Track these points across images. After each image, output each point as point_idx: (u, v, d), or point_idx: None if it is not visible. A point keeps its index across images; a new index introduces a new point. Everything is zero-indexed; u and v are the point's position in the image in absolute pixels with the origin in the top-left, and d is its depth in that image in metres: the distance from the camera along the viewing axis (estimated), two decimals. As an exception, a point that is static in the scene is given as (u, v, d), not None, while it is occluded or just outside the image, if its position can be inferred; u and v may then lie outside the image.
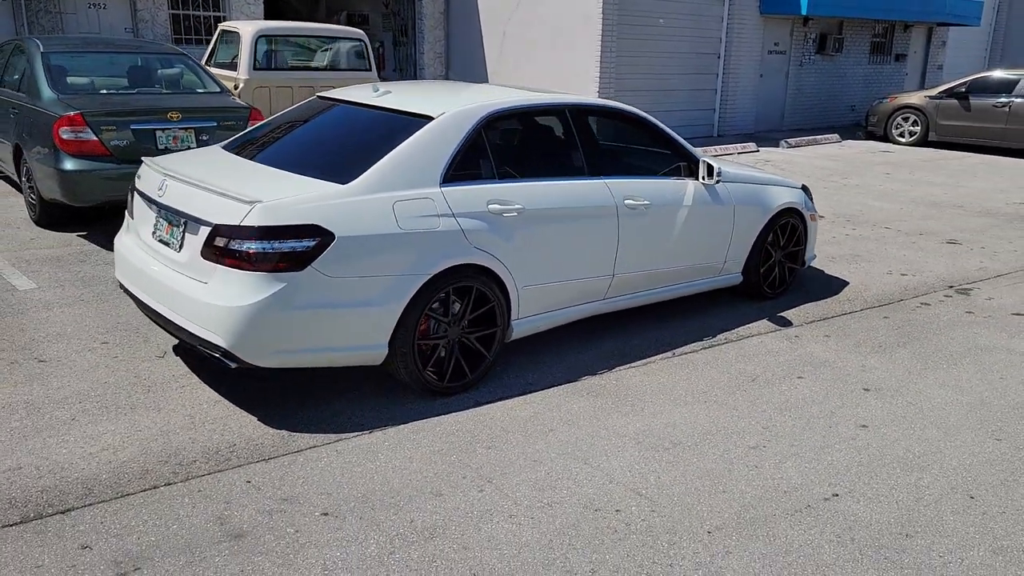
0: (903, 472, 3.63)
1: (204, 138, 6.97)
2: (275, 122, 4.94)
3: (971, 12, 20.24)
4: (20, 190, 8.56)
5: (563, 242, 4.59)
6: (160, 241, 4.15)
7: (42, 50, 7.25)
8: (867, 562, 2.97)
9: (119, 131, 6.59)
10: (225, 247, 3.69)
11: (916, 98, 16.02)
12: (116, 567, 2.86)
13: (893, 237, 8.31)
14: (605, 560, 2.96)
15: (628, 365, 4.80)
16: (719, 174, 5.28)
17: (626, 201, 4.88)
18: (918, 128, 15.88)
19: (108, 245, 6.79)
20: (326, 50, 10.45)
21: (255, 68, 9.61)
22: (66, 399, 4.11)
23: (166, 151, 6.79)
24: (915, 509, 3.34)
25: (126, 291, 4.52)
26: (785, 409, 4.26)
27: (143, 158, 4.60)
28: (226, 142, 4.93)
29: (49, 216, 7.12)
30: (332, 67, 10.48)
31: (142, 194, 4.32)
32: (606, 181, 4.85)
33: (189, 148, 6.88)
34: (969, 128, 15.26)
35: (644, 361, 4.87)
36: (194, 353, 4.69)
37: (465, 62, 16.00)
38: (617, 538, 3.09)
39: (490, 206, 4.26)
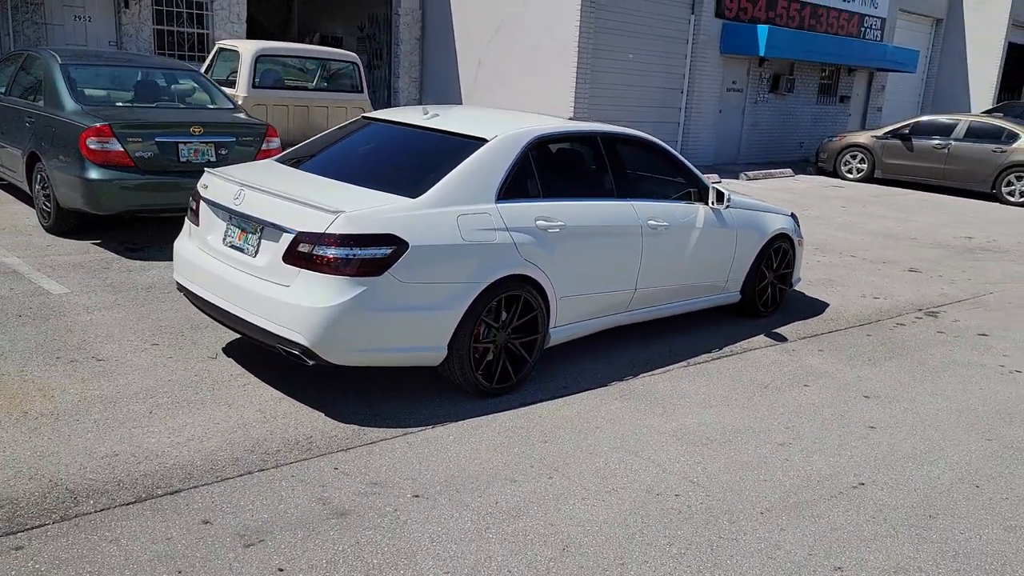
0: (915, 466, 4.12)
1: (223, 152, 7.21)
2: (325, 140, 5.26)
3: (909, 60, 21.56)
4: (21, 197, 8.63)
5: (596, 257, 5.01)
6: (232, 247, 4.43)
7: (60, 61, 7.40)
8: (902, 538, 3.42)
9: (144, 143, 6.79)
10: (309, 253, 4.00)
11: (863, 138, 17.03)
12: (241, 539, 3.13)
13: (859, 264, 8.97)
14: (677, 535, 3.35)
15: (649, 373, 5.22)
16: (728, 200, 5.78)
17: (649, 222, 5.34)
18: (865, 166, 16.87)
19: (125, 253, 6.95)
20: (321, 71, 10.74)
21: (254, 86, 9.85)
22: (137, 395, 4.33)
23: (187, 163, 7.01)
24: (932, 496, 3.82)
25: (185, 292, 4.76)
26: (800, 412, 4.73)
27: (207, 169, 4.86)
28: (279, 156, 5.22)
29: (63, 224, 7.24)
30: (327, 88, 10.77)
31: (211, 202, 4.59)
32: (632, 203, 5.30)
33: (209, 161, 7.12)
34: (912, 167, 16.29)
35: (663, 369, 5.30)
36: (248, 354, 4.94)
37: (440, 87, 16.42)
38: (683, 517, 3.48)
39: (537, 222, 4.65)
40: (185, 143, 7.00)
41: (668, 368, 5.33)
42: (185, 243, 4.81)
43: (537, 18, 14.45)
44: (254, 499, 3.42)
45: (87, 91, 7.33)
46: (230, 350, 5.03)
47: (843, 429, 4.53)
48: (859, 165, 16.95)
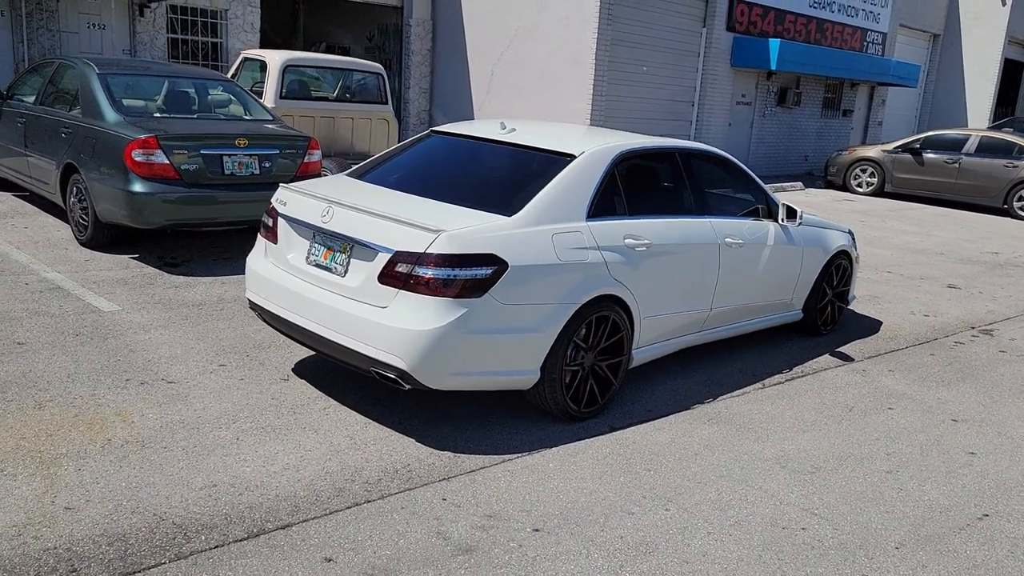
0: (1028, 493, 4.03)
1: (266, 165, 7.03)
2: (397, 154, 5.10)
3: (911, 75, 21.71)
4: (47, 208, 8.40)
5: (676, 276, 4.89)
6: (317, 266, 4.26)
7: (98, 71, 7.20)
8: (1043, 571, 3.32)
9: (189, 155, 6.60)
10: (408, 273, 3.84)
11: (873, 151, 17.07)
12: (365, 575, 2.97)
13: (899, 281, 8.91)
14: (818, 573, 3.21)
15: (728, 395, 5.09)
16: (801, 217, 5.69)
17: (726, 239, 5.22)
18: (875, 180, 16.91)
19: (166, 268, 6.76)
20: (346, 82, 10.59)
21: (281, 97, 9.67)
22: (218, 419, 4.15)
23: (231, 176, 6.83)
24: (1056, 525, 3.72)
25: (260, 310, 4.59)
26: (894, 437, 4.61)
27: (281, 184, 4.70)
28: (350, 171, 5.06)
29: (100, 238, 7.03)
30: (351, 99, 10.62)
31: (291, 219, 4.42)
32: (710, 220, 5.18)
33: (253, 174, 6.95)
34: (922, 181, 16.34)
35: (740, 391, 5.18)
36: (319, 375, 4.77)
37: (450, 98, 16.29)
38: (818, 553, 3.35)
39: (626, 240, 4.52)
40: (230, 155, 6.82)
41: (744, 390, 5.21)
42: (260, 261, 4.63)
43: (552, 30, 14.38)
44: (371, 533, 3.25)
45: (125, 101, 7.14)
46: (300, 371, 4.86)
47: (943, 455, 4.42)
48: (869, 179, 16.98)
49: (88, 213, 6.97)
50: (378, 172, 4.86)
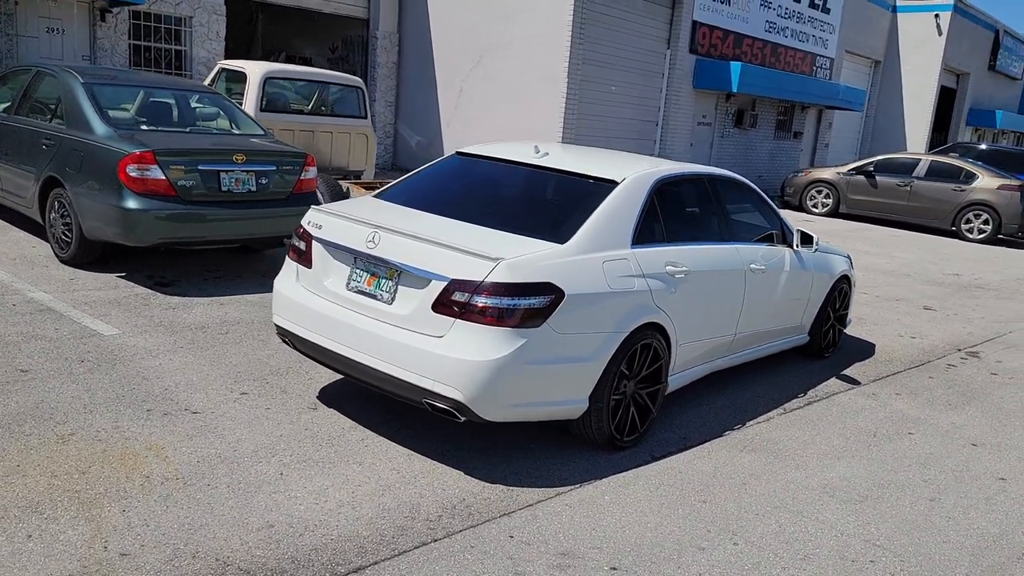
0: (1067, 519, 4.12)
1: (263, 182, 6.82)
2: (426, 176, 4.99)
3: (857, 99, 22.48)
4: (17, 223, 7.98)
5: (708, 302, 4.89)
6: (359, 292, 4.12)
7: (82, 80, 6.89)
8: (1108, 600, 3.38)
9: (187, 171, 6.35)
10: (466, 302, 3.74)
11: (828, 173, 17.55)
12: (462, 626, 2.85)
13: (877, 302, 9.13)
14: (898, 605, 3.22)
15: (753, 421, 5.11)
16: (817, 244, 5.77)
17: (751, 265, 5.26)
18: (830, 201, 17.37)
19: (157, 288, 6.48)
20: (325, 96, 10.38)
21: (261, 109, 9.42)
22: (255, 453, 3.96)
23: (228, 193, 6.60)
24: (1103, 552, 3.81)
25: (291, 337, 4.41)
26: (925, 464, 4.68)
27: (312, 207, 4.54)
28: (377, 193, 4.93)
29: (85, 255, 6.71)
30: (331, 113, 10.41)
31: (329, 243, 4.27)
32: (736, 246, 5.21)
33: (250, 191, 6.73)
34: (875, 203, 16.85)
35: (765, 417, 5.20)
36: (347, 403, 4.61)
37: (418, 113, 16.16)
38: (893, 584, 3.36)
39: (667, 267, 4.50)
40: (227, 171, 6.59)
41: (768, 416, 5.24)
42: (291, 285, 4.46)
43: (524, 48, 14.40)
44: (451, 575, 3.14)
45: (112, 113, 6.84)
46: (326, 399, 4.69)
47: (976, 481, 4.50)
48: (824, 200, 17.44)
49: (72, 229, 6.64)
50: (411, 194, 4.74)
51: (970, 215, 15.88)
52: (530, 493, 3.86)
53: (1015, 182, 15.72)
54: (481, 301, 3.72)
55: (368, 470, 3.92)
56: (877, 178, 16.79)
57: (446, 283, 3.79)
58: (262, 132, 7.60)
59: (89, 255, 6.73)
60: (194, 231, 6.49)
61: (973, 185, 15.88)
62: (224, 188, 6.58)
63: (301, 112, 10.11)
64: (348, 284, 4.18)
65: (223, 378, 4.85)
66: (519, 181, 4.73)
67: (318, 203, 7.30)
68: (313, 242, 4.37)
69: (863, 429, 5.15)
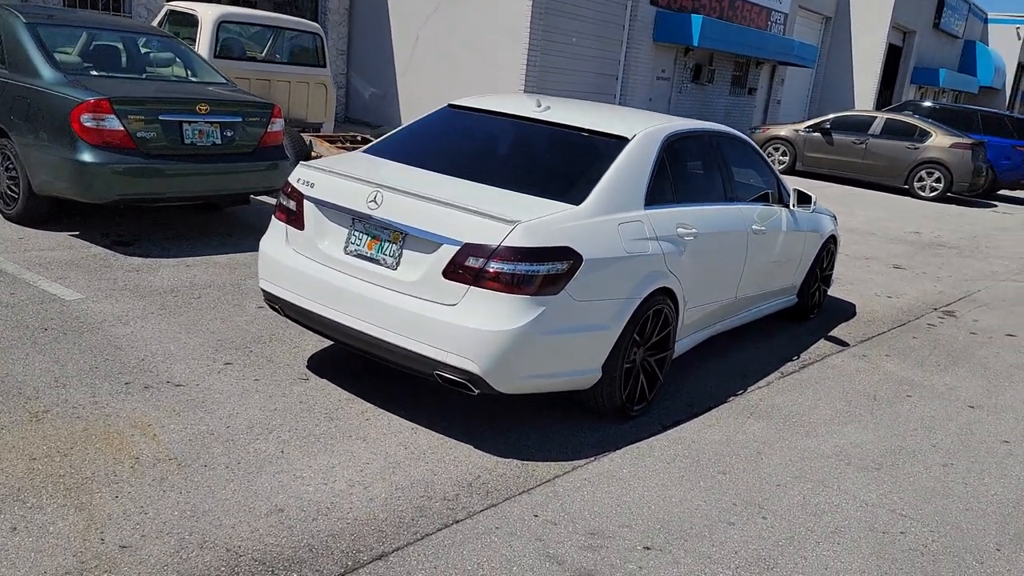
0: (1077, 483, 4.13)
1: (228, 134, 6.39)
2: (420, 131, 4.67)
3: (810, 55, 22.51)
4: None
5: (713, 265, 4.74)
6: (359, 256, 3.83)
7: (24, 20, 6.31)
8: None
9: (147, 122, 5.89)
10: (481, 268, 3.49)
11: (786, 130, 17.57)
12: (503, 617, 2.66)
13: (849, 261, 9.14)
14: (937, 578, 3.15)
15: (755, 386, 5.01)
16: (815, 204, 5.65)
17: (752, 226, 5.11)
18: (787, 158, 17.42)
19: (116, 247, 6.05)
20: (282, 43, 9.84)
21: (215, 56, 8.86)
22: (250, 429, 3.68)
23: (191, 146, 6.16)
24: (1118, 516, 3.82)
25: (281, 303, 4.12)
26: (930, 428, 4.65)
27: (301, 163, 4.20)
28: (367, 148, 4.60)
29: (33, 212, 6.22)
30: (288, 61, 9.88)
31: (324, 203, 3.95)
32: (739, 207, 5.05)
33: (214, 144, 6.30)
34: (831, 161, 16.96)
35: (764, 382, 5.10)
36: (338, 372, 4.35)
37: (371, 62, 15.57)
38: (930, 559, 3.28)
39: (678, 229, 4.32)
40: (190, 123, 6.14)
41: (768, 380, 5.14)
42: (280, 248, 4.13)
43: (484, -4, 13.91)
44: (479, 561, 2.94)
45: (59, 57, 6.29)
46: (316, 368, 4.42)
47: (983, 445, 4.49)
48: (781, 157, 17.48)
49: (19, 184, 6.13)
50: (405, 150, 4.43)
51: (923, 173, 16.10)
52: (546, 468, 3.68)
53: (967, 140, 15.96)
54: (497, 267, 3.48)
55: (373, 446, 3.68)
56: (834, 136, 16.87)
57: (459, 248, 3.53)
58: (223, 80, 7.11)
59: (38, 212, 6.24)
60: (155, 187, 6.05)
61: (927, 143, 16.07)
62: (187, 141, 6.13)
63: (257, 60, 9.57)
64: (346, 248, 3.88)
65: (203, 347, 4.52)
66: (522, 137, 4.45)
67: (285, 158, 6.91)
68: (305, 202, 4.04)
69: (863, 392, 5.10)
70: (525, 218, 3.55)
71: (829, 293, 7.51)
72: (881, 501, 3.71)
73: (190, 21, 9.06)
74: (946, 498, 3.82)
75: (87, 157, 5.71)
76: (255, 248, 6.52)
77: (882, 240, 10.82)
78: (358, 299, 3.76)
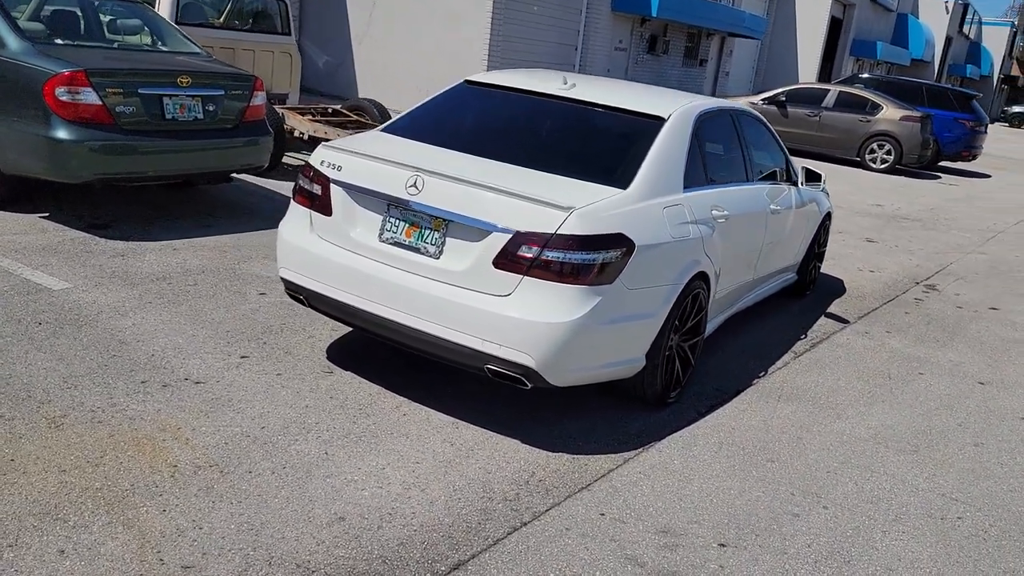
0: (1101, 460, 4.21)
1: (210, 108, 6.03)
2: (443, 109, 4.44)
3: (759, 27, 22.71)
4: None
5: (739, 246, 4.67)
6: (396, 244, 3.62)
7: (-19, -17, 5.81)
8: None
9: (126, 95, 5.50)
10: (536, 257, 3.33)
11: (742, 103, 17.63)
12: (601, 628, 2.55)
13: (824, 235, 9.23)
14: (1010, 568, 3.15)
15: (774, 367, 4.99)
16: (824, 182, 5.62)
17: (771, 205, 5.06)
18: (741, 129, 17.51)
19: (93, 231, 5.69)
20: (245, 10, 9.36)
21: (176, 22, 8.36)
22: (286, 429, 3.47)
23: (173, 121, 5.79)
24: None
25: (304, 293, 3.88)
26: (949, 407, 4.69)
27: (323, 144, 3.95)
28: (387, 126, 4.36)
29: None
30: (252, 29, 9.42)
31: (355, 188, 3.71)
32: (759, 186, 4.99)
33: (196, 119, 5.94)
34: (787, 133, 17.07)
35: (781, 362, 5.09)
36: (363, 364, 4.15)
37: (324, 29, 15.04)
38: (992, 544, 3.29)
39: (713, 212, 4.22)
40: (171, 96, 5.76)
41: (784, 360, 5.13)
42: (305, 235, 3.89)
43: (444, -38, 13.53)
44: (560, 567, 2.82)
45: (23, 24, 5.83)
46: (339, 360, 4.21)
47: (1004, 423, 4.55)
48: (736, 129, 17.57)
49: (-17, 162, 5.68)
50: (429, 130, 4.20)
51: (874, 145, 16.41)
52: (597, 461, 3.57)
53: (916, 113, 16.31)
54: (553, 256, 3.32)
55: (418, 443, 3.51)
56: (788, 108, 17.03)
57: (511, 236, 3.36)
58: (197, 50, 6.71)
59: (4, 193, 5.80)
60: (135, 165, 5.68)
61: (878, 116, 16.36)
62: (168, 116, 5.76)
63: (221, 26, 9.09)
64: (381, 235, 3.67)
65: (213, 339, 4.26)
66: (554, 115, 4.27)
67: (269, 133, 6.58)
68: (332, 186, 3.80)
69: (877, 371, 5.12)
70: (578, 204, 3.39)
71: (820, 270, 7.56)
72: (929, 485, 3.72)
73: (148, -15, 8.52)
74: (988, 479, 3.85)
75: (62, 134, 5.30)
76: (240, 230, 6.21)
77: (849, 213, 10.97)
78: (397, 289, 3.56)
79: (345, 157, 3.80)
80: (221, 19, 9.34)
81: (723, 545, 3.07)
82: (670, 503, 3.31)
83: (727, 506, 3.34)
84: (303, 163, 4.01)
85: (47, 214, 5.91)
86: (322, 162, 3.86)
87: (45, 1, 6.39)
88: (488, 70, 13.27)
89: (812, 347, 5.44)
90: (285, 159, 8.45)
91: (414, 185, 3.55)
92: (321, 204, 3.83)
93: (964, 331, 6.24)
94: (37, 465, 3.00)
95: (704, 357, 4.91)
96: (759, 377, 4.79)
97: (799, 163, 5.90)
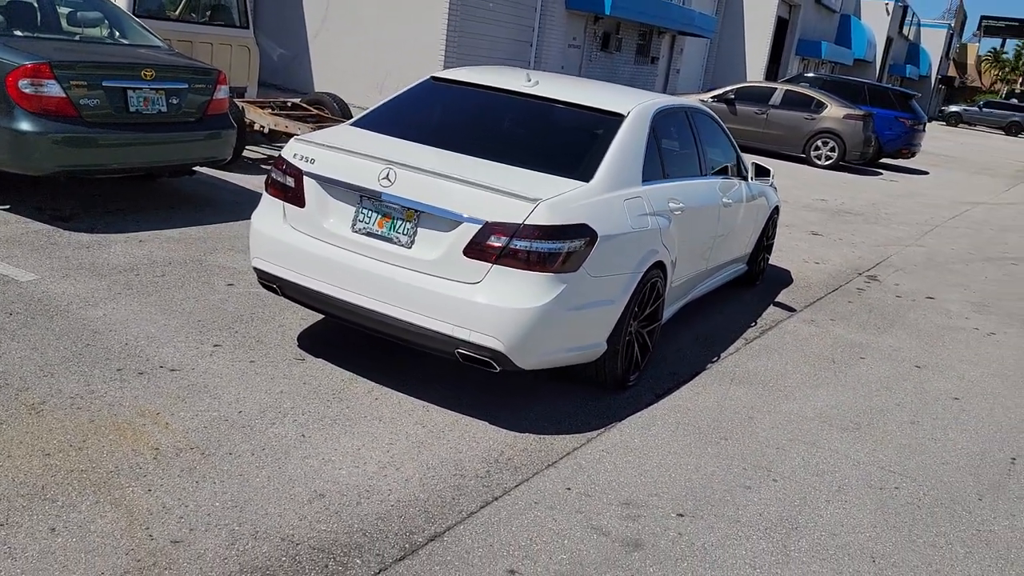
0: (1025, 435, 4.55)
1: (174, 101, 6.06)
2: (410, 105, 4.58)
3: (709, 26, 23.17)
4: None
5: (694, 237, 4.90)
6: (368, 235, 3.76)
7: (-61, -25, 5.77)
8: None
9: (90, 88, 5.52)
10: (505, 246, 3.50)
11: (694, 100, 18.03)
12: (571, 590, 2.75)
13: (772, 229, 9.57)
14: (943, 531, 3.42)
15: (725, 352, 5.24)
16: (773, 176, 5.89)
17: (723, 199, 5.30)
18: (692, 126, 17.90)
19: (55, 222, 5.70)
20: (203, 2, 9.34)
21: (134, 14, 8.32)
22: (262, 414, 3.60)
23: (137, 114, 5.82)
24: (1066, 464, 4.24)
25: (278, 282, 4.00)
26: (888, 387, 5.00)
27: (295, 138, 4.07)
28: (356, 121, 4.49)
29: (-44, 184, 5.75)
30: (210, 21, 9.41)
31: (328, 180, 3.84)
32: (712, 180, 5.23)
33: (160, 112, 5.97)
34: (736, 130, 17.35)
35: (732, 348, 5.34)
36: (331, 350, 4.28)
37: (280, 22, 14.97)
38: (925, 511, 3.57)
39: (669, 204, 4.44)
40: (135, 89, 5.79)
41: (735, 346, 5.39)
42: (278, 226, 4.00)
43: (400, -42, 13.60)
44: (530, 536, 3.00)
45: (-20, 16, 5.80)
46: (309, 347, 4.33)
47: (938, 402, 4.87)
48: (687, 126, 17.95)
49: (-59, 154, 5.63)
50: (398, 124, 4.34)
51: (819, 142, 16.92)
52: (562, 440, 3.76)
53: (858, 112, 16.86)
54: (521, 245, 3.50)
55: (391, 426, 3.66)
56: (737, 106, 17.45)
57: (480, 226, 3.53)
58: (159, 43, 6.72)
59: (-35, 185, 5.78)
60: (99, 158, 5.71)
61: (822, 114, 16.88)
62: (132, 108, 5.79)
63: (177, 19, 9.06)
64: (354, 226, 3.80)
65: (185, 328, 4.34)
66: (519, 112, 4.44)
67: (231, 126, 6.64)
68: (305, 178, 3.92)
69: (822, 356, 5.41)
70: (545, 196, 3.58)
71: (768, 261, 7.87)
72: (870, 459, 3.99)
73: (104, -23, 8.46)
74: (923, 454, 4.14)
75: (25, 126, 5.31)
76: (204, 222, 6.26)
77: (795, 208, 11.36)
78: (370, 278, 3.70)
79: (318, 150, 3.93)
80: (177, 12, 9.31)
81: (681, 515, 3.29)
82: (631, 478, 3.51)
83: (684, 480, 3.56)
84: (276, 156, 4.11)
85: (8, 206, 5.89)
86: (295, 155, 3.98)
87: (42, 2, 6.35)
88: (445, 65, 13.40)
89: (762, 334, 5.72)
90: (245, 153, 8.47)
91: (387, 177, 3.69)
92: (294, 196, 3.95)
93: (903, 319, 6.59)
94: (21, 449, 3.08)
95: (661, 344, 5.13)
96: (712, 362, 5.04)
97: (749, 159, 6.16)
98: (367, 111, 4.60)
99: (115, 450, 3.16)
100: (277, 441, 3.39)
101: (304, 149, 3.97)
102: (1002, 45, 79.66)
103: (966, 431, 4.49)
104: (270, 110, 8.69)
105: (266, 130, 8.35)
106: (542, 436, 3.78)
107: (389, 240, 3.72)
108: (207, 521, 2.82)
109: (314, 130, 7.70)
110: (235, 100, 8.34)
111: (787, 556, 3.10)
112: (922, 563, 3.19)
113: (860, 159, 17.05)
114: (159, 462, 3.13)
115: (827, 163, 16.83)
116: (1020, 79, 78.26)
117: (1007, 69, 78.87)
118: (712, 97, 17.76)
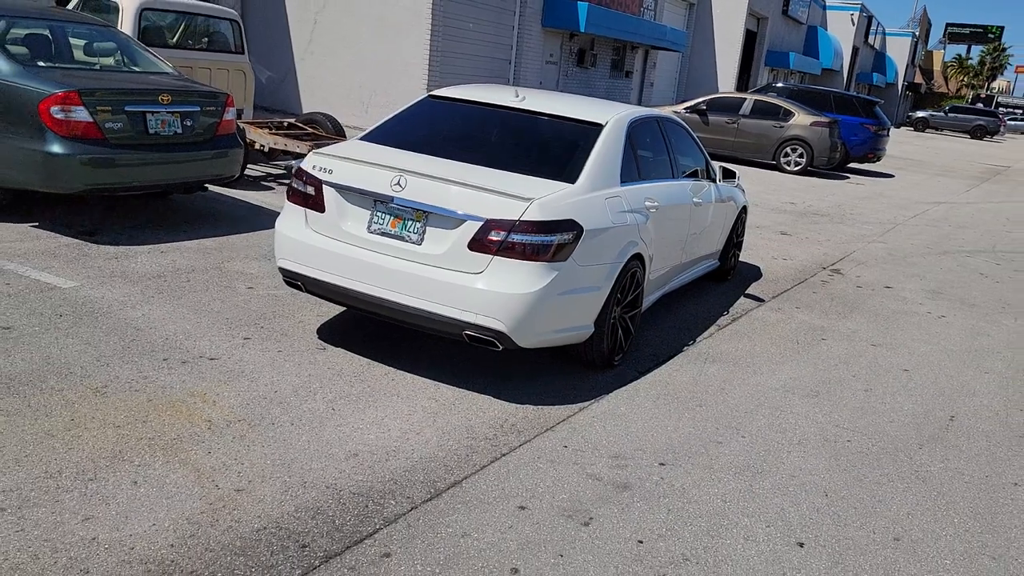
0: (966, 397, 5.13)
1: (188, 123, 6.58)
2: (412, 120, 5.13)
3: (680, 40, 23.95)
4: None
5: (669, 233, 5.47)
6: (382, 234, 4.30)
7: (-30, 12, 6.26)
8: (1016, 451, 4.36)
9: (114, 113, 6.03)
10: (504, 240, 4.05)
11: (667, 112, 18.74)
12: (570, 517, 3.28)
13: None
14: (887, 472, 3.99)
15: (701, 336, 5.81)
16: (739, 179, 6.49)
17: (694, 199, 5.89)
18: (666, 137, 18.59)
19: (83, 237, 6.18)
20: (200, 29, 9.86)
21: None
22: (296, 393, 4.11)
23: (156, 136, 6.34)
24: (1010, 414, 4.82)
25: (302, 280, 4.52)
26: (846, 362, 5.58)
27: (313, 151, 4.60)
28: (365, 135, 5.03)
29: (-14, 204, 6.23)
30: (208, 47, 9.93)
31: (345, 187, 4.38)
32: (684, 182, 5.81)
33: (176, 134, 6.49)
34: (708, 139, 18.23)
35: (707, 333, 5.92)
36: (349, 340, 4.80)
37: (267, 44, 15.51)
38: (873, 457, 4.13)
39: (646, 203, 5.01)
40: (154, 113, 6.31)
41: (709, 332, 5.96)
42: (300, 230, 4.53)
43: (383, -18, 14.19)
44: (535, 481, 3.53)
45: (11, 48, 6.29)
46: (329, 339, 4.84)
47: (890, 374, 5.46)
48: (661, 136, 18.63)
49: (-25, 176, 6.12)
50: (404, 138, 4.88)
51: (788, 149, 17.66)
52: (558, 410, 4.30)
53: (825, 119, 17.62)
54: (517, 239, 4.05)
55: (408, 400, 4.19)
56: (709, 116, 18.17)
57: (482, 223, 4.07)
58: (169, 70, 7.24)
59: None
60: (122, 177, 6.20)
61: (790, 122, 17.62)
62: (151, 130, 6.31)
63: (177, 47, 9.57)
64: (369, 227, 4.34)
65: (217, 325, 4.85)
66: (511, 124, 5.00)
67: (239, 145, 7.15)
68: (324, 187, 4.46)
69: (787, 338, 5.99)
70: (537, 196, 4.13)
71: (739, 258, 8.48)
72: (826, 419, 4.56)
73: (108, 8, 8.98)
74: (873, 415, 4.72)
75: (57, 148, 5.81)
76: (217, 234, 6.77)
77: (765, 210, 12.01)
78: (385, 272, 4.24)
79: (335, 162, 4.47)
80: (174, 39, 9.82)
81: (662, 464, 3.83)
82: (619, 437, 4.06)
83: (665, 438, 4.11)
84: (296, 168, 4.65)
85: (36, 223, 6.37)
86: (315, 167, 4.52)
87: (12, 25, 6.82)
88: (428, 84, 13.98)
89: (733, 321, 6.30)
90: (246, 171, 8.98)
91: (398, 183, 4.24)
92: (315, 203, 4.49)
93: (862, 305, 7.20)
94: (95, 423, 3.58)
95: (642, 330, 5.71)
96: (689, 345, 5.60)
97: (717, 164, 6.76)
98: (374, 126, 5.15)
99: (174, 423, 3.66)
100: (311, 414, 3.91)
101: (323, 161, 4.50)
102: (967, 51, 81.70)
103: (912, 396, 5.08)
104: (268, 130, 9.21)
105: (266, 149, 8.87)
106: (540, 407, 4.32)
107: (401, 238, 4.26)
108: (262, 475, 3.33)
109: (311, 148, 8.26)
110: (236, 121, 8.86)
111: (752, 493, 3.66)
112: (868, 496, 3.75)
113: (828, 164, 17.78)
114: (213, 431, 3.63)
115: (796, 169, 17.55)
116: (985, 84, 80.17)
117: (972, 74, 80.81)
118: (685, 108, 18.46)
